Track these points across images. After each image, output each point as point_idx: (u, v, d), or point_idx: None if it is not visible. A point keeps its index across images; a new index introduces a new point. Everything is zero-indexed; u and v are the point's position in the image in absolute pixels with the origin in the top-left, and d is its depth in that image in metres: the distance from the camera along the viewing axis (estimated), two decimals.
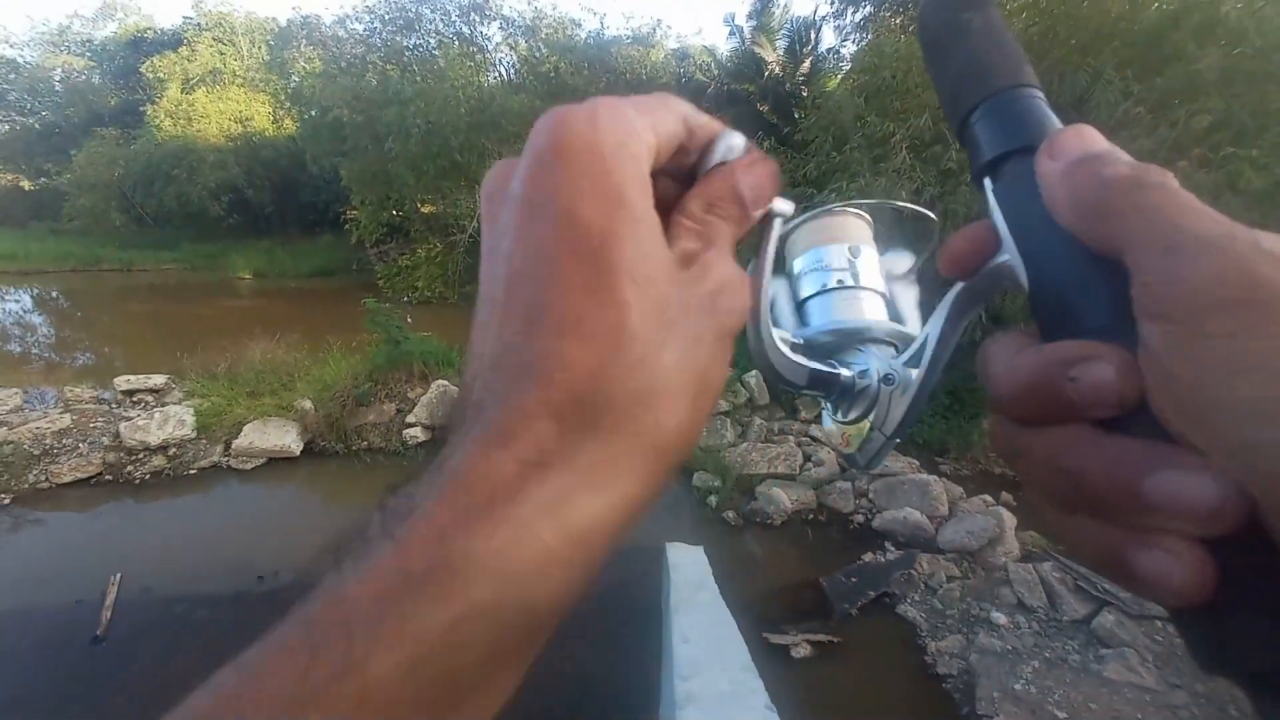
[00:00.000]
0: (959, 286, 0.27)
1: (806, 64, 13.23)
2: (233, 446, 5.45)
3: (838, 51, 12.91)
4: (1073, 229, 0.21)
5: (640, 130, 0.21)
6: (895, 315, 0.35)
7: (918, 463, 5.09)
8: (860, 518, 4.58)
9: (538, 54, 13.57)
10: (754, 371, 6.09)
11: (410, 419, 5.98)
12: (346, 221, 13.09)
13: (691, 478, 5.18)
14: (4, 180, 23.12)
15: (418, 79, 11.74)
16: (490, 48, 14.39)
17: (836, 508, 4.67)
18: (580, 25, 14.17)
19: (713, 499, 4.86)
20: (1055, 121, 0.25)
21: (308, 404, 5.86)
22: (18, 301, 12.61)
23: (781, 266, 0.37)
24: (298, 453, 5.53)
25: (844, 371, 0.31)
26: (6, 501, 4.70)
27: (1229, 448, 0.16)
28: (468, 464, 0.18)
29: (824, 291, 0.34)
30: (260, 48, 20.12)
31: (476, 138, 11.30)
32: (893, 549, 4.18)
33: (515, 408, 0.18)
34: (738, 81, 13.64)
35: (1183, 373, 0.16)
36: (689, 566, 2.93)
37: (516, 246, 0.20)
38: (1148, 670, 2.98)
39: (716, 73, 14.45)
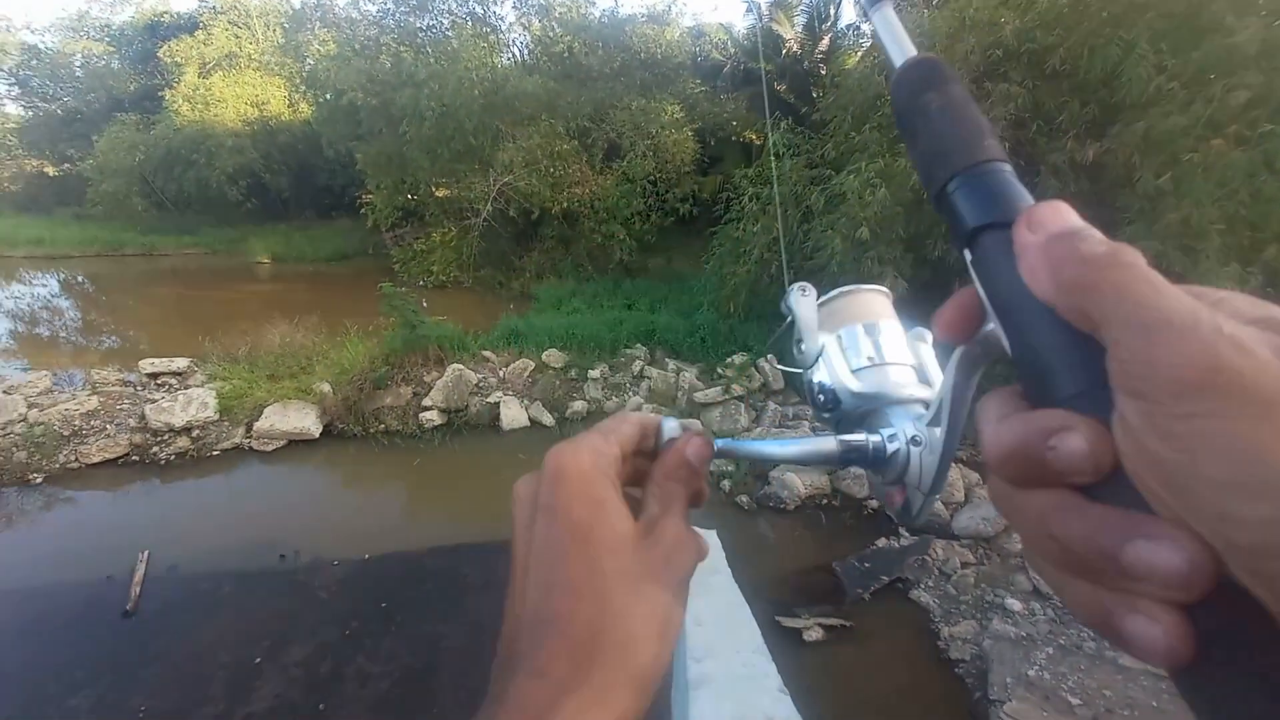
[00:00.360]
0: (959, 350, 0.28)
1: (825, 41, 12.93)
2: (254, 428, 5.57)
3: (858, 28, 12.58)
4: (1049, 301, 0.22)
5: (606, 449, 0.32)
6: (924, 379, 0.38)
7: None
8: (874, 503, 4.57)
9: (551, 34, 13.39)
10: (769, 355, 6.05)
11: (426, 402, 6.05)
12: (362, 206, 13.14)
13: None
14: (29, 166, 23.47)
15: (431, 60, 11.66)
16: (503, 28, 14.24)
17: (850, 493, 4.65)
18: (594, 4, 13.94)
19: (726, 483, 4.86)
20: (1026, 196, 0.26)
21: (326, 387, 5.96)
22: (45, 286, 12.90)
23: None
24: (317, 435, 5.63)
25: (873, 439, 0.34)
26: (39, 480, 4.86)
27: (1200, 518, 0.17)
28: (519, 692, 0.27)
29: (851, 369, 0.38)
30: (274, 30, 20.08)
31: (490, 120, 11.23)
32: (907, 535, 4.17)
33: (544, 652, 0.27)
34: (754, 60, 13.37)
35: (1155, 447, 0.17)
36: None
37: (537, 538, 0.30)
38: None
39: (733, 51, 14.20)
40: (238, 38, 19.91)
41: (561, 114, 11.68)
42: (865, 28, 11.97)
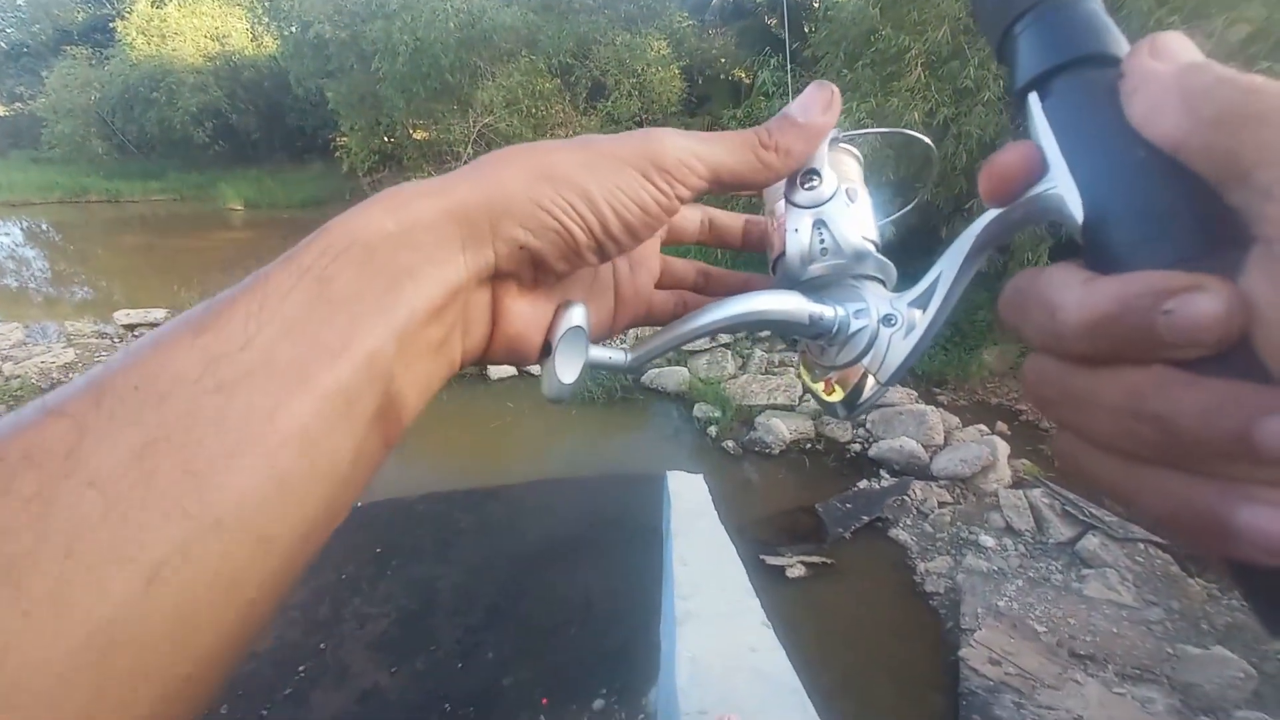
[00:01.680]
0: (987, 217, 0.24)
1: None
2: None
3: None
4: (1176, 142, 0.18)
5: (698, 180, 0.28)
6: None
7: (915, 394, 5.14)
8: (857, 447, 4.68)
9: None
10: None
11: None
12: (337, 149, 12.62)
13: (692, 408, 5.25)
14: None
15: None
16: None
17: (834, 437, 4.75)
18: None
19: (713, 429, 4.94)
20: (1120, 34, 0.22)
21: None
22: (8, 235, 12.38)
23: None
24: None
25: (840, 311, 0.29)
26: None
27: None
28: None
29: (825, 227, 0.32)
30: None
31: (468, 56, 10.68)
32: (888, 476, 4.30)
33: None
34: None
35: None
36: (689, 493, 3.01)
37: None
38: (1126, 589, 3.13)
39: None
40: None
41: (543, 50, 11.12)
42: None
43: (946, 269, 0.26)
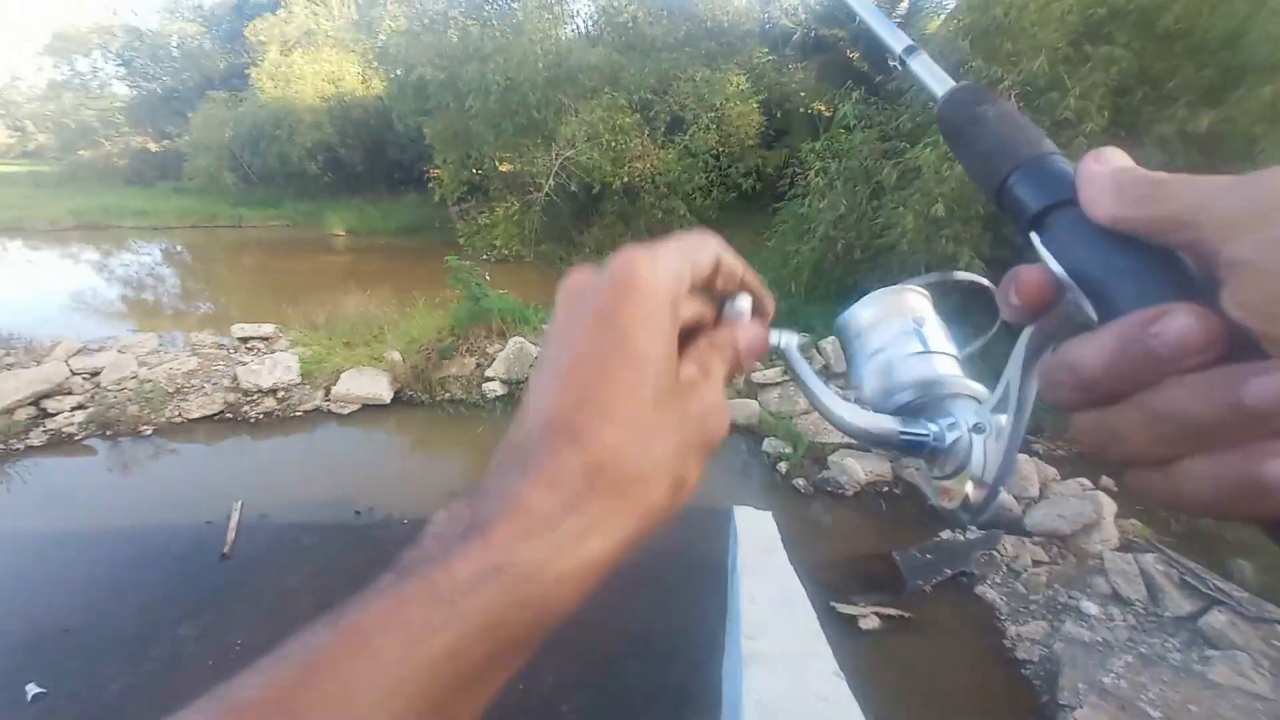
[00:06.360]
0: (1029, 331, 0.28)
1: (905, 4, 12.17)
2: (332, 392, 5.91)
3: None
4: (1116, 218, 0.23)
5: (682, 275, 0.30)
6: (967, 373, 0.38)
7: None
8: None
9: (616, 3, 13.19)
10: (830, 338, 5.88)
11: (489, 373, 6.24)
12: (430, 180, 13.51)
13: (762, 443, 5.13)
14: (135, 142, 25.34)
15: (497, 34, 11.73)
16: None
17: (913, 482, 4.50)
18: None
19: (783, 466, 4.81)
20: None
21: (396, 355, 6.23)
22: (149, 255, 14.01)
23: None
24: (388, 400, 5.93)
25: (931, 427, 0.33)
26: (149, 432, 5.35)
27: None
28: (526, 497, 0.25)
29: (899, 359, 0.38)
30: (350, 7, 20.73)
31: (553, 93, 11.23)
32: (975, 528, 4.01)
33: (560, 463, 0.25)
34: (826, 26, 12.75)
35: None
36: (757, 531, 2.92)
37: (586, 341, 0.28)
38: (1261, 676, 2.74)
39: (803, 17, 13.56)
40: (316, 15, 20.61)
41: (624, 86, 11.54)
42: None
43: (1013, 376, 0.30)
